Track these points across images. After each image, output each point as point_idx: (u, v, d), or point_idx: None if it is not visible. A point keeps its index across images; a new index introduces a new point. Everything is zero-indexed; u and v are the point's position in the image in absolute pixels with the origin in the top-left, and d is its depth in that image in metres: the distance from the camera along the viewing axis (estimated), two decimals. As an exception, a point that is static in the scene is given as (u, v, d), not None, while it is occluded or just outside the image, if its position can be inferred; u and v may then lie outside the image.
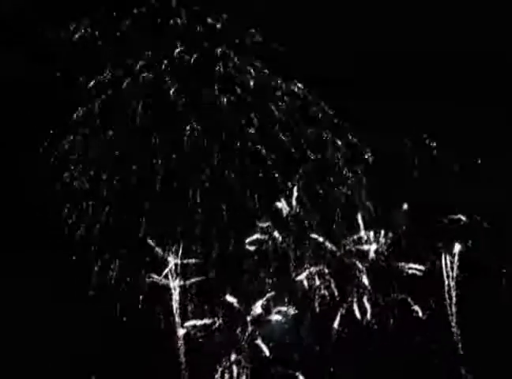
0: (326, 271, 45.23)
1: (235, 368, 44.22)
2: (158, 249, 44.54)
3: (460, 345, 44.41)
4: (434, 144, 45.64)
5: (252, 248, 45.27)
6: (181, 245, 44.44)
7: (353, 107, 45.69)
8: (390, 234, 45.11)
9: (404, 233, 44.79)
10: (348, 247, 45.34)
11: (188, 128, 46.11)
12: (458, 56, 46.48)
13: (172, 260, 44.46)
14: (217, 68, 46.95)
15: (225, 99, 46.46)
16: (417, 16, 47.76)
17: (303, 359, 44.57)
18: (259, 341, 44.46)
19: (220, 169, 45.67)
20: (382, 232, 45.10)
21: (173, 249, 44.27)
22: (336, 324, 44.74)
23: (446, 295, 44.57)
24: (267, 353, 44.39)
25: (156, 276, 44.55)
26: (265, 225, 45.27)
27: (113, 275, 44.02)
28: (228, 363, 44.16)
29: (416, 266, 44.77)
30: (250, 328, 44.48)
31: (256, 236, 45.08)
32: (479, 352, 43.83)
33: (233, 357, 44.28)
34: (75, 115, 46.94)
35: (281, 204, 45.74)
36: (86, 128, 46.79)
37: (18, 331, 43.93)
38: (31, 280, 44.29)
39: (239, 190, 45.43)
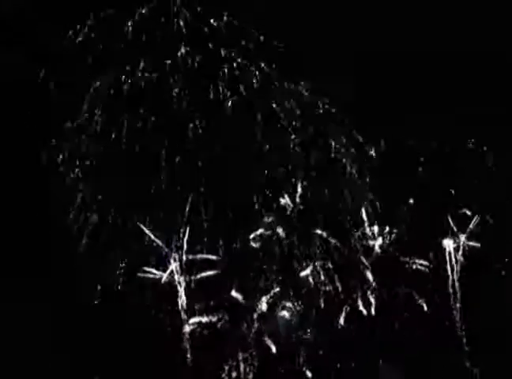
0: (331, 266, 45.28)
1: (242, 365, 44.05)
2: (163, 246, 44.29)
3: (464, 340, 44.59)
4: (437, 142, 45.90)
5: (257, 244, 45.22)
6: (185, 242, 44.25)
7: (356, 105, 45.93)
8: (395, 230, 45.30)
9: (409, 228, 44.98)
10: (352, 243, 45.45)
11: (192, 126, 46.05)
12: (458, 56, 46.77)
13: (177, 257, 44.25)
14: (221, 68, 46.98)
15: (229, 99, 46.50)
16: (417, 16, 48.05)
17: (310, 355, 44.51)
18: (265, 338, 44.34)
19: (224, 167, 45.62)
20: (387, 227, 45.29)
21: (178, 245, 44.10)
22: (341, 320, 44.76)
23: (451, 290, 44.79)
24: (273, 349, 44.28)
25: (161, 273, 44.29)
26: (269, 220, 45.29)
27: (120, 273, 43.78)
28: (235, 362, 44.01)
29: (421, 261, 45.00)
30: (256, 325, 44.36)
31: (260, 231, 45.07)
32: (484, 346, 44.06)
33: (240, 354, 44.11)
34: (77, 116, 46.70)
35: (285, 201, 45.79)
36: (88, 129, 46.50)
37: (23, 331, 43.40)
38: (34, 280, 43.92)
39: (243, 187, 45.41)
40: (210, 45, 47.07)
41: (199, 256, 44.44)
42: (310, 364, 44.36)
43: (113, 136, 45.85)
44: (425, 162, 45.85)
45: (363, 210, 45.60)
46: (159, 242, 44.38)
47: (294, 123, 46.38)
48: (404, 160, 45.76)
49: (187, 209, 44.72)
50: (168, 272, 44.39)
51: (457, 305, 44.77)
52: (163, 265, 44.53)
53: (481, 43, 47.26)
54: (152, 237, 44.49)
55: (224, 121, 46.13)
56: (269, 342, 44.36)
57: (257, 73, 47.08)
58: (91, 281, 43.84)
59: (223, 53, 46.99)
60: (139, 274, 44.41)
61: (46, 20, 47.52)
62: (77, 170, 45.61)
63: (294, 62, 47.28)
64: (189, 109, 46.18)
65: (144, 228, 44.44)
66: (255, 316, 44.46)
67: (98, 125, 46.24)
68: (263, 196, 45.68)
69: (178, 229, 44.60)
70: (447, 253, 44.80)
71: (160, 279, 44.26)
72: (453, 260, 44.79)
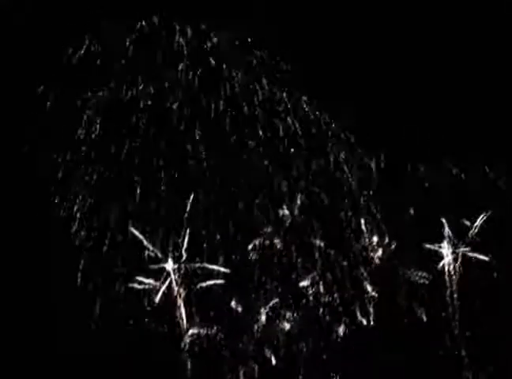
0: (330, 277, 45.28)
1: (241, 377, 43.80)
2: (162, 257, 44.11)
3: (464, 352, 44.66)
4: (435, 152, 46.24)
5: (256, 255, 45.19)
6: (184, 252, 44.11)
7: (357, 119, 46.20)
8: (394, 241, 45.48)
9: (408, 239, 45.15)
10: (352, 254, 45.53)
11: (191, 139, 46.18)
12: (458, 67, 47.09)
13: (176, 267, 44.06)
14: (222, 84, 47.23)
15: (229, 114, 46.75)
16: (419, 33, 47.99)
17: (309, 367, 44.33)
18: (266, 349, 44.13)
19: (224, 179, 45.72)
20: (387, 239, 45.45)
21: (177, 255, 43.97)
22: (341, 331, 44.67)
23: (448, 300, 44.92)
24: (274, 362, 44.05)
25: (159, 284, 44.03)
26: (268, 230, 45.32)
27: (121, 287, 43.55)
28: (235, 375, 43.71)
29: (420, 273, 45.15)
30: (256, 336, 44.17)
31: (257, 241, 45.05)
32: (484, 357, 44.15)
33: (239, 366, 43.82)
34: (78, 130, 46.48)
35: (284, 212, 45.85)
36: (87, 142, 46.36)
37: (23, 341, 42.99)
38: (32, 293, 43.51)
39: (242, 198, 45.48)
40: (211, 61, 47.23)
41: (197, 264, 44.19)
42: (310, 376, 44.01)
43: (112, 149, 45.70)
44: (425, 173, 46.08)
45: (363, 221, 45.67)
46: (157, 251, 44.10)
47: (295, 137, 46.58)
48: (404, 172, 46.00)
49: (186, 220, 44.50)
50: (167, 282, 44.06)
51: (456, 317, 44.80)
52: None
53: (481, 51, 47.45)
54: (151, 248, 44.18)
55: (224, 135, 46.26)
56: (269, 354, 44.02)
57: (257, 87, 47.30)
58: (91, 293, 43.42)
59: (224, 69, 47.17)
60: (138, 285, 43.99)
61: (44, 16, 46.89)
62: (77, 182, 45.38)
63: (295, 78, 47.51)
64: (189, 123, 46.26)
65: (144, 239, 44.17)
66: (255, 327, 44.15)
67: (97, 137, 46.06)
68: (262, 207, 45.64)
69: (176, 239, 44.35)
70: (446, 264, 44.93)
71: (159, 289, 43.89)
72: (452, 270, 44.91)
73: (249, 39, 47.47)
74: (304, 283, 45.22)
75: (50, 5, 46.10)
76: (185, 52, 47.46)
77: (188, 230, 44.38)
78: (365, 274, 45.30)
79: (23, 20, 46.47)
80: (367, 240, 45.53)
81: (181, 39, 47.83)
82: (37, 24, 46.36)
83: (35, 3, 46.55)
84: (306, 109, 47.10)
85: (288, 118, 46.82)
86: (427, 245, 45.07)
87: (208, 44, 47.62)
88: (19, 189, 44.07)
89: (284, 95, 47.25)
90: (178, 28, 47.67)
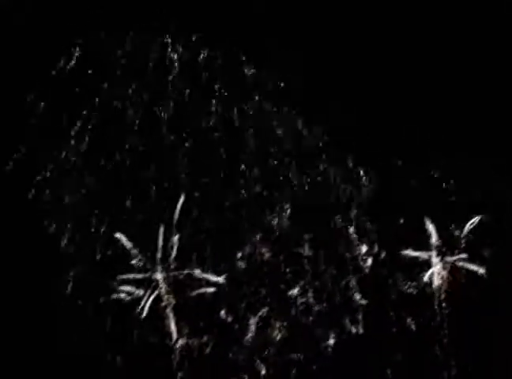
0: (319, 286, 45.28)
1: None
2: (151, 266, 43.91)
3: (453, 361, 44.85)
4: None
5: (244, 264, 45.09)
6: (173, 261, 43.92)
7: (348, 130, 46.17)
8: (384, 250, 45.56)
9: (398, 248, 45.23)
10: (341, 263, 45.57)
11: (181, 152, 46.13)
12: (448, 78, 47.10)
13: (166, 277, 43.85)
14: (214, 97, 47.17)
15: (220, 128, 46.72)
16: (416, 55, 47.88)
17: (299, 376, 44.34)
18: (255, 359, 44.04)
19: (213, 188, 45.60)
20: (376, 247, 45.52)
21: (165, 265, 43.79)
22: (330, 340, 44.69)
23: (437, 308, 45.08)
24: (263, 371, 43.97)
25: (148, 293, 43.78)
26: (257, 239, 45.24)
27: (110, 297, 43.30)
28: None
29: (409, 282, 45.29)
30: (245, 346, 44.06)
31: (246, 250, 44.98)
32: (473, 366, 44.36)
33: (229, 377, 43.72)
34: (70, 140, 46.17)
35: (273, 221, 45.77)
36: (79, 154, 46.07)
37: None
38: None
39: (231, 209, 45.44)
40: (203, 74, 47.19)
41: (186, 272, 44.01)
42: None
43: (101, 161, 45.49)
44: (415, 184, 46.19)
45: (352, 231, 45.69)
46: (146, 261, 43.90)
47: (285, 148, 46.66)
48: (394, 181, 46.06)
49: (175, 228, 44.33)
50: (156, 292, 43.85)
51: (445, 324, 44.96)
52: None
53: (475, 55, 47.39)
54: (140, 257, 43.93)
55: (214, 146, 46.24)
56: (258, 363, 43.92)
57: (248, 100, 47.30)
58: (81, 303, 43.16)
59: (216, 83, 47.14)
60: (127, 296, 43.74)
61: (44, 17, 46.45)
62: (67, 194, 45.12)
63: (286, 91, 47.52)
64: (179, 134, 46.17)
65: (132, 249, 43.92)
66: (245, 337, 44.05)
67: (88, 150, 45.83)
68: (252, 216, 45.57)
69: (165, 248, 44.16)
70: (435, 273, 45.08)
71: (148, 299, 43.66)
72: (440, 279, 45.08)
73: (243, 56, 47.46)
74: (293, 292, 45.08)
75: (50, 6, 45.63)
76: (176, 65, 47.30)
77: (177, 240, 44.08)
78: (354, 283, 45.27)
79: (23, 20, 45.99)
80: (356, 249, 45.51)
81: (172, 55, 47.68)
82: (37, 24, 45.91)
83: (35, 3, 45.98)
84: (299, 123, 47.15)
85: (279, 130, 46.83)
86: (416, 254, 44.98)
87: (200, 57, 47.49)
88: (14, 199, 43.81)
89: (275, 108, 47.23)
90: (170, 41, 47.51)
